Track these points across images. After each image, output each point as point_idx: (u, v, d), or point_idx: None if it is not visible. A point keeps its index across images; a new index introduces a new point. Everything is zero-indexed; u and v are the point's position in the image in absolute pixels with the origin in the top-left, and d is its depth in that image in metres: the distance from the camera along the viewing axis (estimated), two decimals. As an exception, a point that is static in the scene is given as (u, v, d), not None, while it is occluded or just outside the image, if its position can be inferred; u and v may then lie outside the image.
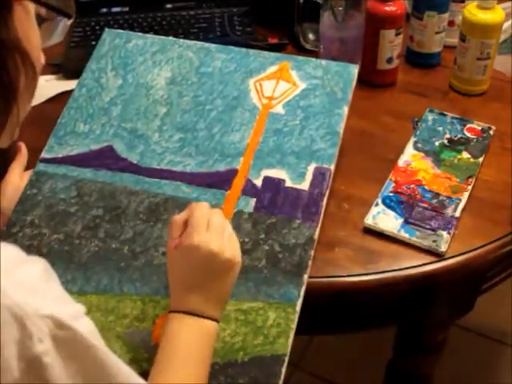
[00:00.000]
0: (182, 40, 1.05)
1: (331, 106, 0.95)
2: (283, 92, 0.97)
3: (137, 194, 0.90)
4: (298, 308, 0.80)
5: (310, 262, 0.83)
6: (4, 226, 0.87)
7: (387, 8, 1.14)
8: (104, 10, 1.42)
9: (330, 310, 0.94)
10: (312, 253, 0.84)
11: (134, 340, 0.79)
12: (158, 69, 1.01)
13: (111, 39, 1.05)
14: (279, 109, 0.95)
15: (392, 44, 1.17)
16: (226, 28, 1.34)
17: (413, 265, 0.89)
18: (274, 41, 1.32)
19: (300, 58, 1.01)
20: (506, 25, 1.25)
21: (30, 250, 0.85)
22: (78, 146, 0.95)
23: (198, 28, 1.36)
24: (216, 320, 0.73)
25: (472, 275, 0.95)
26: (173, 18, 1.38)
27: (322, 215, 0.87)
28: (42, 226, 0.88)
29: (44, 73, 1.28)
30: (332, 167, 0.90)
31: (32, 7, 0.63)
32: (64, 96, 1.18)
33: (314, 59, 1.01)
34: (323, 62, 1.00)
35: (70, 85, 1.21)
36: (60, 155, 0.94)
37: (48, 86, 1.24)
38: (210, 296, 0.73)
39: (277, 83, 0.98)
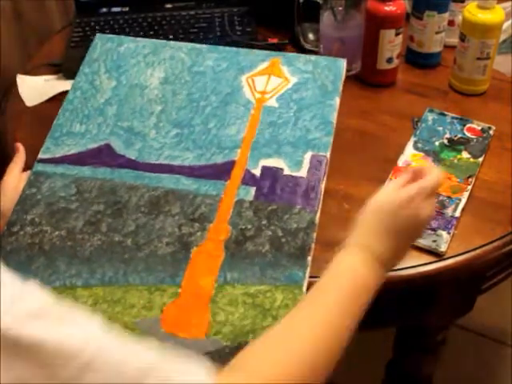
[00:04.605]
0: (173, 42, 1.06)
1: (323, 97, 0.97)
2: (275, 86, 0.99)
3: (137, 188, 0.91)
4: (305, 288, 0.80)
5: (312, 245, 0.84)
6: (4, 227, 0.88)
7: (387, 8, 1.14)
8: (104, 9, 1.42)
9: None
10: (314, 236, 0.84)
11: (142, 328, 0.79)
12: (151, 69, 1.03)
13: (103, 43, 1.07)
14: (272, 102, 0.97)
15: (392, 44, 1.17)
16: (226, 28, 1.34)
17: (412, 265, 0.89)
18: (274, 41, 1.32)
19: (289, 54, 1.03)
20: (505, 25, 1.25)
21: (31, 248, 0.86)
22: (75, 146, 0.95)
23: (198, 28, 1.36)
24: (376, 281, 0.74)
25: (472, 275, 0.95)
26: (173, 18, 1.38)
27: (321, 200, 0.88)
28: (43, 223, 0.88)
29: (44, 73, 1.29)
30: (328, 155, 0.91)
31: None
32: (64, 96, 1.18)
33: (303, 55, 1.02)
34: (312, 57, 1.02)
35: (70, 85, 1.21)
36: (57, 155, 0.95)
37: (48, 86, 1.25)
38: (397, 255, 0.77)
39: (268, 78, 0.99)
